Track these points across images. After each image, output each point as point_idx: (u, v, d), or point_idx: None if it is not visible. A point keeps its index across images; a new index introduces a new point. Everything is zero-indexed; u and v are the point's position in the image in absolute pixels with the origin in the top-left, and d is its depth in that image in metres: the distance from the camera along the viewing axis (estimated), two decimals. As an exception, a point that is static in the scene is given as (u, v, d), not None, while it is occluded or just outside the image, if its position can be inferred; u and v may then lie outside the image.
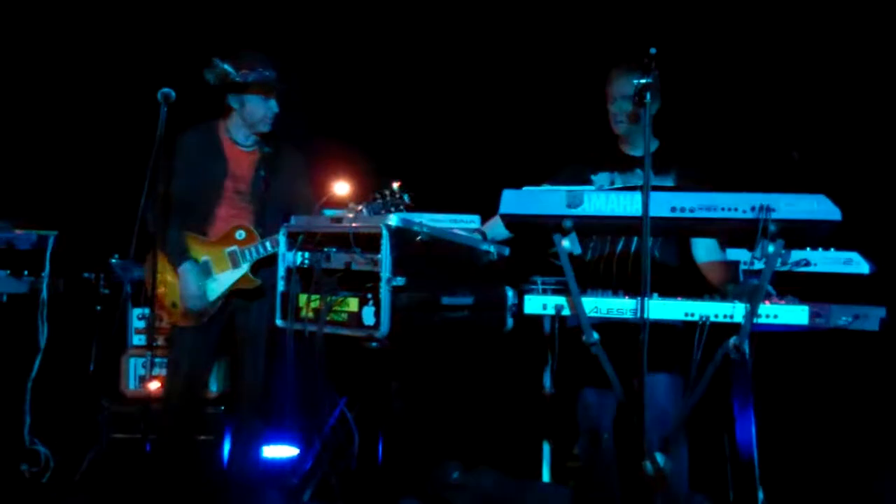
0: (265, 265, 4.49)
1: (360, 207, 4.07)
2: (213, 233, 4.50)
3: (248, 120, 4.50)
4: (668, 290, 3.41)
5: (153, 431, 4.42)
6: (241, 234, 4.44)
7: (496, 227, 3.89)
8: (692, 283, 3.89)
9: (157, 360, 4.92)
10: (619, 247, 4.22)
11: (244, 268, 4.43)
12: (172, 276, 4.45)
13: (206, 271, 4.42)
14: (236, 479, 4.60)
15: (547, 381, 4.50)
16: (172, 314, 4.51)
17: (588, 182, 4.17)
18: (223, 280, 4.45)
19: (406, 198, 3.99)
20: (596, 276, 4.19)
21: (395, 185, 3.90)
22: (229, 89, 4.40)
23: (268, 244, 4.40)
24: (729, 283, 3.83)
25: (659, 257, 4.18)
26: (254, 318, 4.58)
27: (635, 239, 4.18)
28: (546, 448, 4.83)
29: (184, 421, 4.56)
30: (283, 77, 4.48)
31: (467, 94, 6.05)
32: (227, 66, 4.31)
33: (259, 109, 4.46)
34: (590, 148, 4.43)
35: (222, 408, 5.09)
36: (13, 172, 5.94)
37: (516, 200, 3.39)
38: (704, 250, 4.13)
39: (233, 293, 4.48)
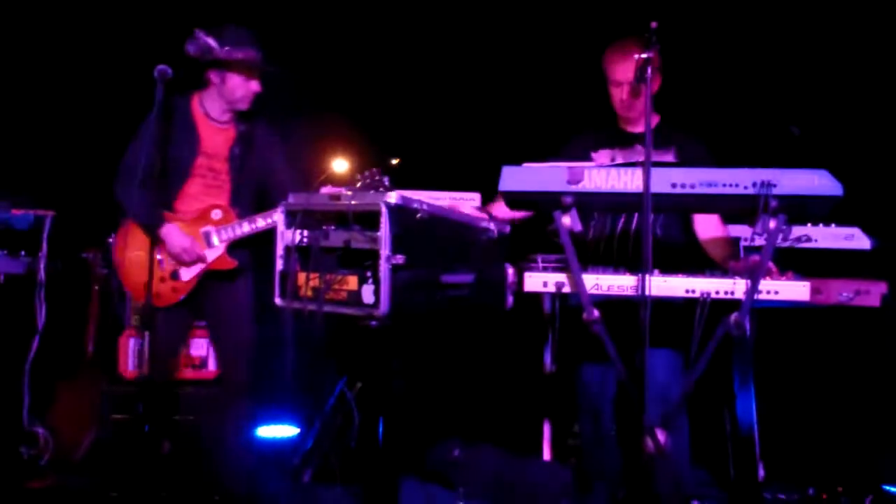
0: (242, 245, 4.47)
1: (342, 192, 4.09)
2: (187, 211, 4.44)
3: (226, 97, 4.43)
4: (673, 268, 3.41)
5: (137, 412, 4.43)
6: (217, 214, 4.40)
7: None
8: (696, 261, 3.88)
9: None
10: (621, 225, 4.21)
11: (220, 248, 4.40)
12: (143, 256, 4.41)
13: None
14: (227, 460, 4.58)
15: (547, 358, 4.50)
16: (141, 294, 4.47)
17: (589, 159, 4.15)
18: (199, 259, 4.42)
19: (386, 181, 3.97)
20: (598, 254, 4.18)
21: (394, 162, 3.88)
22: (211, 64, 4.34)
23: (245, 225, 4.37)
24: (730, 259, 3.82)
25: (662, 235, 4.16)
26: (233, 297, 4.55)
27: (637, 216, 4.17)
28: (547, 426, 4.84)
29: (159, 400, 4.53)
30: (269, 57, 4.42)
31: (467, 71, 6.03)
32: (210, 41, 4.25)
33: (240, 88, 4.40)
34: (590, 125, 4.41)
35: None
36: (10, 152, 5.91)
37: (516, 177, 3.36)
38: (706, 226, 4.12)
39: (208, 273, 4.45)
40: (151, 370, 4.37)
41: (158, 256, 4.36)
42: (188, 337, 4.97)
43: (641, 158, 3.84)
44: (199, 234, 4.39)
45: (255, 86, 4.42)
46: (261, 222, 4.34)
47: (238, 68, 4.34)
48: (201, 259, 4.37)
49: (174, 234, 4.31)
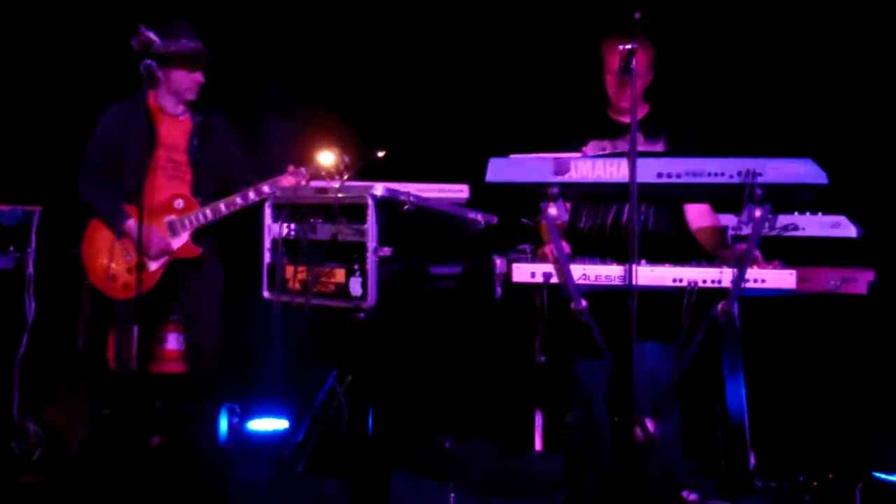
0: (206, 233, 4.51)
1: (302, 171, 4.21)
2: (150, 202, 4.45)
3: (172, 89, 4.51)
4: (664, 259, 3.42)
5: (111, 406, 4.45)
6: (179, 203, 4.44)
7: None
8: (688, 252, 3.88)
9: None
10: (612, 216, 4.21)
11: (184, 237, 4.42)
12: (109, 249, 4.45)
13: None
14: (198, 448, 4.59)
15: (538, 349, 4.50)
16: (111, 287, 4.49)
17: (581, 151, 4.15)
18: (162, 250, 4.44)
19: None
20: (589, 245, 4.18)
21: (381, 154, 3.88)
22: (153, 58, 4.34)
23: (208, 212, 4.40)
24: (721, 248, 3.83)
25: (653, 227, 4.17)
26: (200, 283, 4.60)
27: (627, 208, 4.18)
28: (538, 416, 4.84)
29: (141, 393, 4.53)
30: (211, 46, 4.45)
31: (454, 61, 6.01)
32: (151, 35, 4.25)
33: (184, 80, 4.49)
34: (581, 115, 4.40)
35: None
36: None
37: (503, 168, 3.37)
38: (696, 216, 4.13)
39: (173, 262, 4.47)
40: (120, 363, 4.39)
41: (125, 248, 4.43)
42: (163, 329, 4.97)
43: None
44: (164, 224, 4.42)
45: (198, 77, 4.51)
46: (223, 208, 4.39)
47: (178, 61, 4.40)
48: (166, 250, 4.40)
49: (133, 231, 4.35)
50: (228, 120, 4.74)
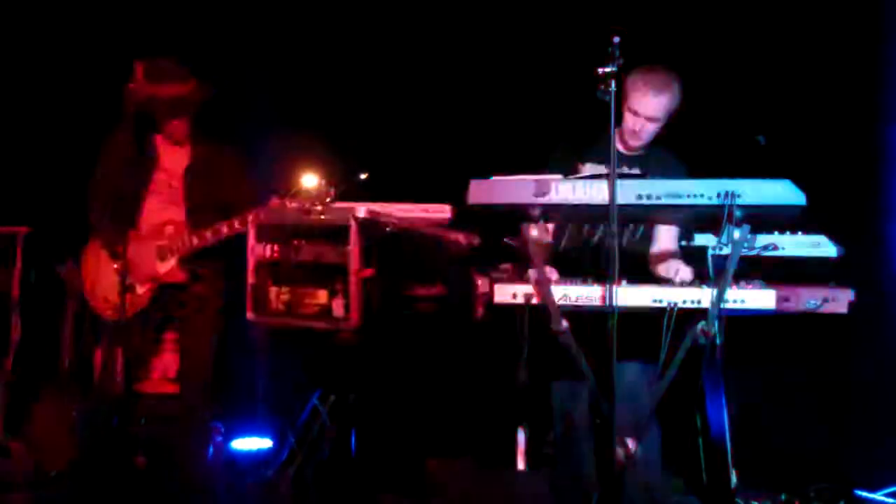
0: (197, 259, 4.49)
1: (285, 202, 4.13)
2: (144, 226, 4.49)
3: (166, 130, 4.51)
4: (643, 279, 3.45)
5: (91, 428, 4.51)
6: (169, 229, 4.44)
7: None
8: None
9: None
10: (595, 237, 4.23)
11: (171, 262, 4.42)
12: (105, 270, 4.46)
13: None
14: (186, 471, 4.59)
15: (520, 369, 4.52)
16: (103, 308, 4.50)
17: (577, 170, 4.15)
18: (152, 274, 4.44)
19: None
20: (570, 265, 4.20)
21: (363, 176, 3.91)
22: (142, 100, 4.34)
23: (195, 239, 4.39)
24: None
25: (634, 247, 4.20)
26: (191, 310, 4.57)
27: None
28: (521, 436, 4.85)
29: (116, 415, 4.52)
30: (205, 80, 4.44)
31: (437, 83, 6.04)
32: (139, 74, 4.26)
33: (163, 121, 4.46)
34: (578, 139, 4.40)
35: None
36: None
37: (484, 190, 3.39)
38: (659, 242, 4.18)
39: (163, 286, 4.47)
40: (107, 383, 4.40)
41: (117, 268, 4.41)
42: (157, 350, 5.00)
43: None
44: (154, 249, 4.42)
45: (182, 122, 4.48)
46: (209, 236, 4.36)
47: (161, 107, 4.36)
48: (153, 276, 4.41)
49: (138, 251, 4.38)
50: (237, 153, 4.71)
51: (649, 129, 4.06)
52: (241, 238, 4.49)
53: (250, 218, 4.26)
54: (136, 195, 4.43)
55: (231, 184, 4.61)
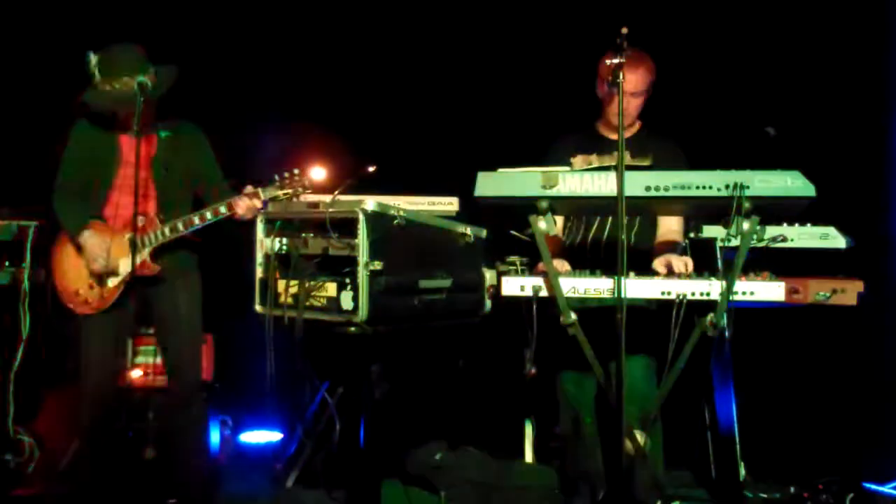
0: (181, 248, 4.47)
1: (258, 191, 4.13)
2: (115, 220, 4.42)
3: (120, 119, 4.37)
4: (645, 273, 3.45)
5: (78, 427, 4.51)
6: (141, 221, 4.36)
7: None
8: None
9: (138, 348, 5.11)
10: (604, 230, 4.24)
11: (143, 253, 4.38)
12: (74, 264, 4.43)
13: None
14: (182, 465, 4.58)
15: (528, 361, 4.52)
16: (75, 302, 4.47)
17: (569, 164, 4.16)
18: (122, 267, 4.41)
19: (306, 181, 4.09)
20: (574, 258, 4.20)
21: (371, 169, 3.90)
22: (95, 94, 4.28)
23: (166, 230, 4.34)
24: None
25: (635, 242, 4.20)
26: (172, 302, 4.52)
27: (611, 221, 4.22)
28: (529, 428, 4.86)
29: (102, 411, 4.51)
30: (204, 60, 4.38)
31: (443, 76, 6.04)
32: (93, 65, 4.23)
33: (122, 115, 4.32)
34: (569, 128, 4.43)
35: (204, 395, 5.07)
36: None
37: (491, 182, 3.38)
38: (661, 233, 4.20)
39: (136, 280, 4.37)
40: (86, 379, 4.38)
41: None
42: (135, 344, 5.01)
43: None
44: (126, 242, 4.37)
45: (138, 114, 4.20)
46: (181, 227, 4.30)
47: (113, 101, 4.27)
48: (112, 271, 4.36)
49: (91, 240, 4.32)
50: (197, 129, 4.61)
51: (635, 105, 4.15)
52: (233, 226, 4.47)
53: (222, 210, 4.21)
54: (104, 188, 4.37)
55: (198, 160, 4.55)
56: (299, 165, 4.15)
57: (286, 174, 4.13)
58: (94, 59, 4.22)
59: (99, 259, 4.29)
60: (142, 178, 4.35)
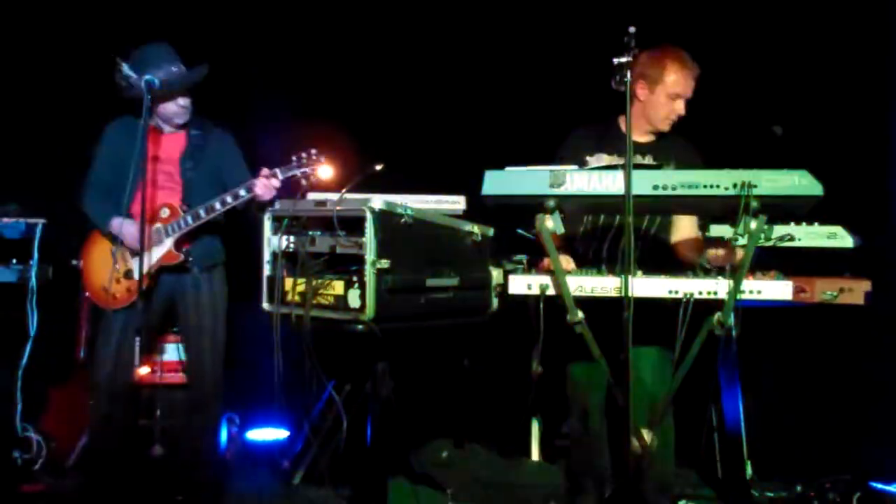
0: (192, 241, 4.52)
1: (276, 171, 4.21)
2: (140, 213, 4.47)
3: (161, 115, 4.51)
4: (660, 270, 3.44)
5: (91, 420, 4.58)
6: (165, 212, 4.43)
7: None
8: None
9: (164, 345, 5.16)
10: (612, 229, 4.23)
11: (167, 243, 4.42)
12: (100, 260, 4.49)
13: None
14: (196, 462, 4.60)
15: (535, 359, 4.52)
16: (102, 298, 4.49)
17: (586, 161, 4.14)
18: (149, 257, 4.43)
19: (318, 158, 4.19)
20: (587, 256, 4.20)
21: (378, 167, 3.90)
22: (135, 93, 4.32)
23: (189, 218, 4.39)
24: (701, 257, 3.86)
25: (653, 239, 4.20)
26: (197, 299, 4.58)
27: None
28: (535, 427, 4.86)
29: (118, 405, 4.52)
30: (210, 58, 4.43)
31: (452, 74, 6.04)
32: (126, 68, 4.26)
33: (168, 107, 4.47)
34: (586, 122, 4.40)
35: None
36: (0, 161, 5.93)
37: (499, 180, 3.37)
38: (679, 229, 4.17)
39: (160, 270, 4.48)
40: (113, 372, 4.39)
41: (114, 257, 4.45)
42: (161, 340, 5.04)
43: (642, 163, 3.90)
44: (153, 233, 4.41)
45: (181, 101, 4.47)
46: (203, 213, 4.35)
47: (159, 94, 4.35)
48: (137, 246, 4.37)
49: (125, 225, 4.37)
50: (227, 132, 4.71)
51: (682, 107, 4.12)
52: (242, 229, 4.51)
53: (241, 192, 4.26)
54: (132, 185, 4.39)
55: (227, 164, 4.63)
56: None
57: (303, 154, 4.20)
58: (126, 60, 4.28)
59: (133, 239, 4.34)
60: (168, 173, 4.46)
